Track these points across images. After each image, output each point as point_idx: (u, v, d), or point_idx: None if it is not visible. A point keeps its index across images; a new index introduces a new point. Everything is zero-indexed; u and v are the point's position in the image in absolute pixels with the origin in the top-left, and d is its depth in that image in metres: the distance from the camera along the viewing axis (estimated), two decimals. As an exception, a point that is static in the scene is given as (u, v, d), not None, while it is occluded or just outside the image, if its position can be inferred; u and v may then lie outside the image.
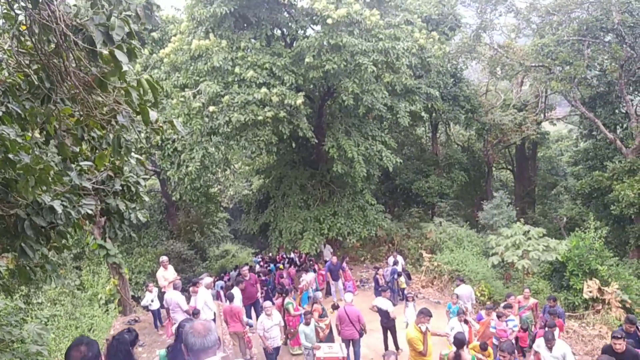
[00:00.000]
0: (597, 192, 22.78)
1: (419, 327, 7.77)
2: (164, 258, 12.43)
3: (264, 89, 14.93)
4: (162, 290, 12.19)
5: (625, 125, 23.31)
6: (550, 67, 22.14)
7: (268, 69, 15.60)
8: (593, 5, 21.76)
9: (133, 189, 5.79)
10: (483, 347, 8.23)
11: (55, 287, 17.05)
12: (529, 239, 15.78)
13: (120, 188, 5.83)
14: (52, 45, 2.99)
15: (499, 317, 9.88)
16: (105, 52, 2.86)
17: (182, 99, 15.62)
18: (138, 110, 3.23)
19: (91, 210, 5.29)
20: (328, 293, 17.21)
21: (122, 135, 3.60)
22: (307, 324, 10.25)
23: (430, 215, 27.62)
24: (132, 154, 5.93)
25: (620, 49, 20.51)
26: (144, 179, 5.89)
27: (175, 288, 11.60)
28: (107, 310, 14.77)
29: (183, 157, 16.05)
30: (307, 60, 15.44)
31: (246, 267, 13.74)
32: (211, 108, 15.14)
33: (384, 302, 11.32)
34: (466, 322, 9.75)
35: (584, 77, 22.76)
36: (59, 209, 4.70)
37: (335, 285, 16.61)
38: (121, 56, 2.87)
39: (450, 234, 20.19)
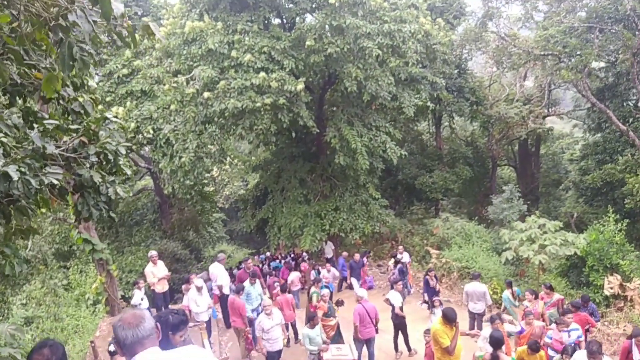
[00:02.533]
0: (608, 186, 21.96)
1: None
2: (153, 253, 11.39)
3: (262, 74, 13.95)
4: (151, 287, 11.12)
5: (638, 116, 22.45)
6: (560, 56, 21.23)
7: (266, 52, 14.61)
8: (603, -8, 20.89)
9: (111, 157, 4.77)
10: (534, 348, 7.01)
11: (41, 287, 16.05)
12: (545, 232, 14.81)
13: (97, 158, 4.83)
14: None
15: (557, 324, 8.62)
16: None
17: (175, 85, 14.60)
18: (95, -3, 2.17)
19: (57, 180, 4.29)
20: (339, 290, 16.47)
21: (74, 42, 2.53)
22: (312, 327, 9.25)
23: (434, 212, 26.63)
24: (109, 116, 4.96)
25: (633, 36, 19.62)
26: (124, 146, 4.87)
27: (219, 261, 11.62)
28: (94, 310, 13.81)
29: (176, 147, 15.03)
30: (308, 43, 14.46)
31: (250, 260, 12.83)
32: (206, 94, 14.13)
33: (394, 296, 10.50)
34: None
35: (592, 67, 21.91)
36: (15, 176, 3.75)
37: (356, 283, 15.80)
38: None
39: (458, 229, 19.20)
